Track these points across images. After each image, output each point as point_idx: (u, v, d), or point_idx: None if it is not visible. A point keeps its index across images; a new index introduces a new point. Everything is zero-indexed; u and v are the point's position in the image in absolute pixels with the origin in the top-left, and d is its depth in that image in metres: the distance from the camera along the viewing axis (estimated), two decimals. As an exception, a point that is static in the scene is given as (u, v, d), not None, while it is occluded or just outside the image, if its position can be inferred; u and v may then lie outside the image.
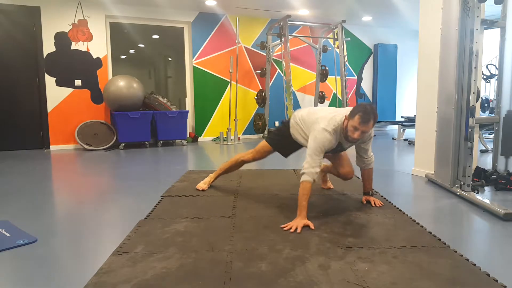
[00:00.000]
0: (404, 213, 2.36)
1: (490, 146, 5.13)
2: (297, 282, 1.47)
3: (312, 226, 2.07)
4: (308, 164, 2.18)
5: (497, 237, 2.08)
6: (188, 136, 6.50)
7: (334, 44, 7.57)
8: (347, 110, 2.26)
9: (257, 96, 7.06)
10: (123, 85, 5.68)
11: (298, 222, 2.08)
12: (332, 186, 2.99)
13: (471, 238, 2.13)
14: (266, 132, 7.11)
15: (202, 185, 2.95)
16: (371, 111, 2.13)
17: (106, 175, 3.93)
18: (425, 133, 3.55)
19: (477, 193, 2.77)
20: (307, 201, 2.16)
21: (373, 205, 2.51)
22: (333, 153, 2.54)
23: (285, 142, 2.59)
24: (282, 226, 2.10)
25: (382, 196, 2.76)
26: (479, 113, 4.21)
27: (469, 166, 2.81)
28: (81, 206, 2.66)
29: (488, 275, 1.53)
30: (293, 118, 2.52)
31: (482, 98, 6.12)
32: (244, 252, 1.76)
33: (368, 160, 2.52)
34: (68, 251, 1.89)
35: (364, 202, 2.57)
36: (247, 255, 1.72)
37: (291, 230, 2.03)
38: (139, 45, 6.88)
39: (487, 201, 2.58)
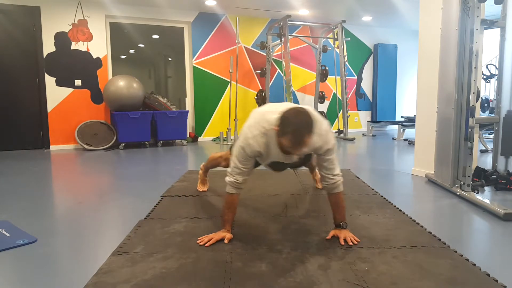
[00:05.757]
0: (404, 213, 2.36)
1: (490, 146, 5.13)
2: (297, 282, 1.47)
3: (226, 241, 1.83)
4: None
5: (497, 237, 2.08)
6: (188, 136, 6.50)
7: (334, 44, 7.57)
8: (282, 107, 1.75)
9: (257, 96, 7.06)
10: (123, 85, 5.68)
11: (214, 234, 1.88)
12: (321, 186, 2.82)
13: (471, 238, 2.13)
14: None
15: (202, 186, 2.95)
16: (305, 126, 1.63)
17: (106, 175, 3.92)
18: (425, 133, 3.55)
19: (477, 193, 2.77)
20: (230, 215, 1.90)
21: (343, 243, 1.83)
22: (279, 169, 2.19)
23: None
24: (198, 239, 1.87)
25: (382, 196, 2.76)
26: (479, 113, 4.21)
27: (469, 166, 2.81)
28: (81, 206, 2.66)
29: (488, 275, 1.53)
30: None
31: (482, 98, 6.12)
32: (244, 252, 1.76)
33: (331, 180, 1.87)
34: (68, 251, 1.88)
35: (330, 237, 1.89)
36: (247, 255, 1.72)
37: (201, 243, 1.83)
38: (139, 45, 6.87)
39: (487, 201, 2.58)
